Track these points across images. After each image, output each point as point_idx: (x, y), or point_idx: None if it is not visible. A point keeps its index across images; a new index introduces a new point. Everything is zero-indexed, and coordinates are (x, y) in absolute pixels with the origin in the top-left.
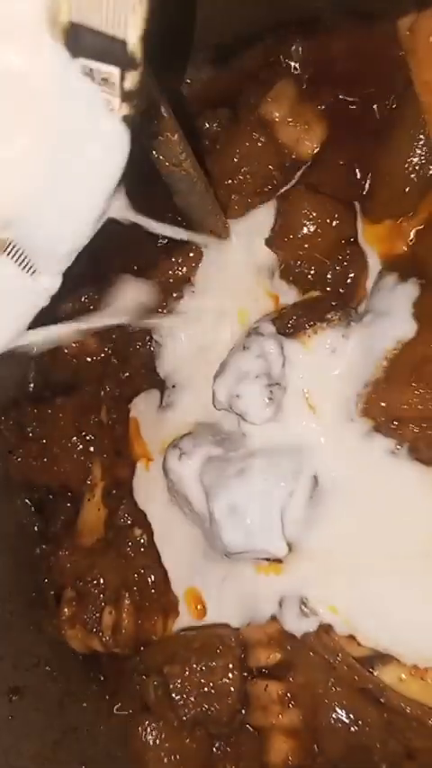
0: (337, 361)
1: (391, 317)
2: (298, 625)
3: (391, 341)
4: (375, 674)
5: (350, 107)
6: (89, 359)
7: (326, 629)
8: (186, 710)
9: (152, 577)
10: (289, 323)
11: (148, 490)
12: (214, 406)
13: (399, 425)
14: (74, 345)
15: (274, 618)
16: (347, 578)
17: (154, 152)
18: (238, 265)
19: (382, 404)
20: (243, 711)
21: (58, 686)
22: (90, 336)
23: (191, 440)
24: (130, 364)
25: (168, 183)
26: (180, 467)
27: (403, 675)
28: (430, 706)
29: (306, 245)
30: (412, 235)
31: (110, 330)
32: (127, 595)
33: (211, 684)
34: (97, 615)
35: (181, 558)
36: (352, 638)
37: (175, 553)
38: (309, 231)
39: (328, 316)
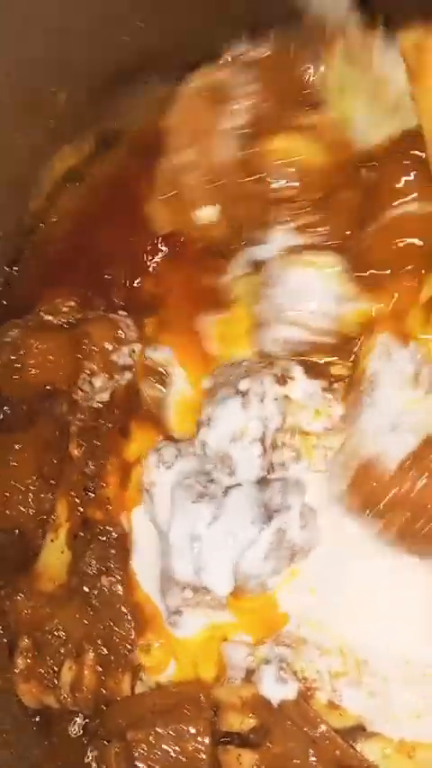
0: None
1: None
2: (275, 691)
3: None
4: (358, 747)
5: None
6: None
7: (305, 696)
8: None
9: (120, 631)
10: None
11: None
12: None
13: (386, 509)
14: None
15: (249, 680)
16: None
17: None
18: None
19: (374, 483)
20: None
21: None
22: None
23: (174, 449)
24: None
25: None
26: (156, 474)
27: (388, 750)
28: None
29: None
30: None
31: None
32: (90, 649)
33: (179, 751)
34: (55, 669)
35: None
36: (334, 706)
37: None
38: None
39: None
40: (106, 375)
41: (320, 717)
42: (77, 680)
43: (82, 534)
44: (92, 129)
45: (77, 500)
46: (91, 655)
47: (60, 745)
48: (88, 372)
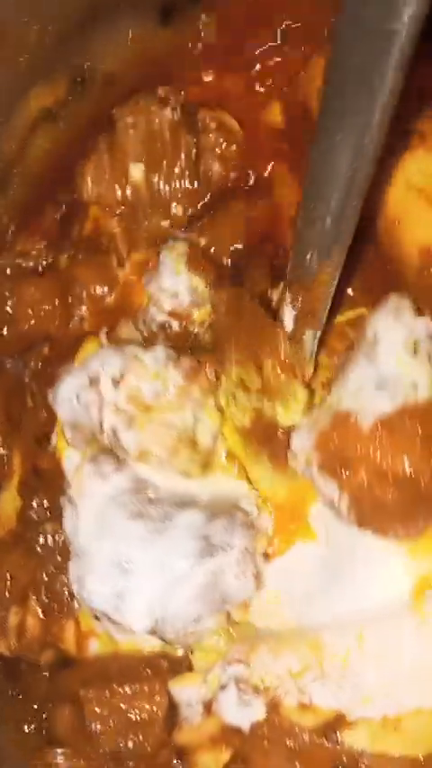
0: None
1: None
2: (242, 716)
3: None
4: (344, 737)
5: None
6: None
7: (274, 707)
8: (105, 740)
9: (63, 579)
10: None
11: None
12: None
13: (347, 467)
14: None
15: (210, 712)
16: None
17: None
18: None
19: (341, 438)
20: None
21: None
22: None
23: (113, 461)
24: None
25: None
26: (89, 485)
27: (375, 731)
28: (413, 756)
29: None
30: None
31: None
32: (33, 596)
33: (135, 710)
34: (3, 614)
35: None
36: (305, 707)
37: None
38: None
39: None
40: (93, 319)
41: (297, 723)
42: (21, 626)
43: (32, 482)
44: (65, 68)
45: (30, 449)
46: (33, 601)
47: (23, 699)
48: (78, 319)
